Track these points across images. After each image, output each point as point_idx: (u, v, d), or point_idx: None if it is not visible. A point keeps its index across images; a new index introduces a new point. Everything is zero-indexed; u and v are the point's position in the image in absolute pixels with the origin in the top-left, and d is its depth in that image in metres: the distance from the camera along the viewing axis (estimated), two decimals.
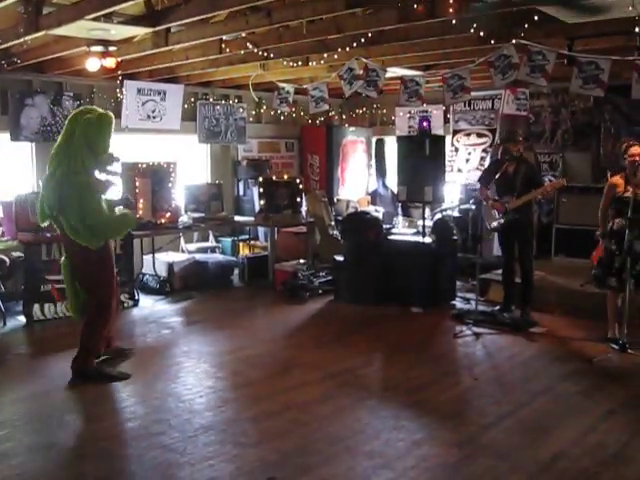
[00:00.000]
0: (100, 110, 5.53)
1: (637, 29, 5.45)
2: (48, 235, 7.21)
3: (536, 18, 5.32)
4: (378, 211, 10.26)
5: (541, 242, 8.83)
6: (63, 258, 5.65)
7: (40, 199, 5.48)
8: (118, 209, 5.73)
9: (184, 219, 9.01)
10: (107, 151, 5.51)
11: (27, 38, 6.05)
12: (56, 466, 3.98)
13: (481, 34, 5.94)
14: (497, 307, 7.41)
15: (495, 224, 7.13)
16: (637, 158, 5.97)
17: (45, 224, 5.64)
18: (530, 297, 7.22)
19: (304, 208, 9.68)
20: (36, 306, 7.24)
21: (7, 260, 7.37)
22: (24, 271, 7.37)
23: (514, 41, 6.01)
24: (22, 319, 7.28)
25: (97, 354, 5.65)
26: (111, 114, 5.53)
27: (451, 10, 5.19)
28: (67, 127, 5.42)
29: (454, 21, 5.57)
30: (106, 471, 3.89)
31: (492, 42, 6.21)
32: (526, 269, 7.20)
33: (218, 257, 9.62)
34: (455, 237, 8.29)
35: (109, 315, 5.60)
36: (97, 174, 5.49)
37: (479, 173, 10.12)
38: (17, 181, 8.36)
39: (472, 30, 5.72)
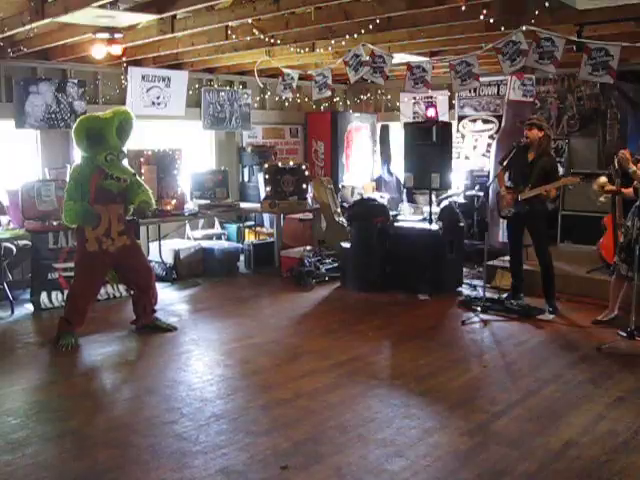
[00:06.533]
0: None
1: None
2: (55, 223, 7.22)
3: (546, 4, 5.28)
4: (383, 197, 10.25)
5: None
6: None
7: None
8: None
9: (190, 206, 9.02)
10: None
11: (33, 26, 6.02)
12: (69, 455, 3.99)
13: (490, 20, 5.88)
14: (505, 295, 7.39)
15: (506, 211, 7.09)
16: None
17: None
18: (552, 289, 7.04)
19: (310, 194, 9.66)
20: (43, 294, 7.26)
21: (14, 248, 7.37)
22: (31, 259, 7.37)
23: (524, 27, 5.96)
24: (30, 307, 7.30)
25: (69, 322, 6.12)
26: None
27: None
28: None
29: (463, 7, 5.53)
30: (119, 460, 3.90)
31: (501, 29, 6.16)
32: (544, 261, 7.01)
33: (224, 244, 9.61)
34: (462, 224, 8.28)
35: (74, 295, 6.20)
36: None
37: (485, 160, 10.15)
38: (23, 169, 8.34)
39: (481, 17, 5.67)
